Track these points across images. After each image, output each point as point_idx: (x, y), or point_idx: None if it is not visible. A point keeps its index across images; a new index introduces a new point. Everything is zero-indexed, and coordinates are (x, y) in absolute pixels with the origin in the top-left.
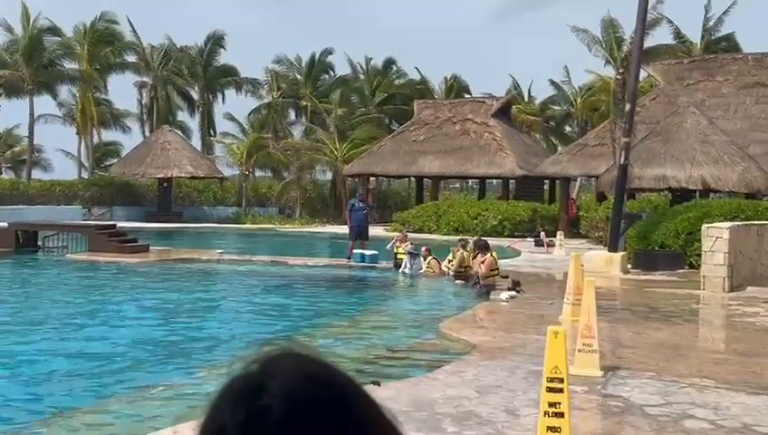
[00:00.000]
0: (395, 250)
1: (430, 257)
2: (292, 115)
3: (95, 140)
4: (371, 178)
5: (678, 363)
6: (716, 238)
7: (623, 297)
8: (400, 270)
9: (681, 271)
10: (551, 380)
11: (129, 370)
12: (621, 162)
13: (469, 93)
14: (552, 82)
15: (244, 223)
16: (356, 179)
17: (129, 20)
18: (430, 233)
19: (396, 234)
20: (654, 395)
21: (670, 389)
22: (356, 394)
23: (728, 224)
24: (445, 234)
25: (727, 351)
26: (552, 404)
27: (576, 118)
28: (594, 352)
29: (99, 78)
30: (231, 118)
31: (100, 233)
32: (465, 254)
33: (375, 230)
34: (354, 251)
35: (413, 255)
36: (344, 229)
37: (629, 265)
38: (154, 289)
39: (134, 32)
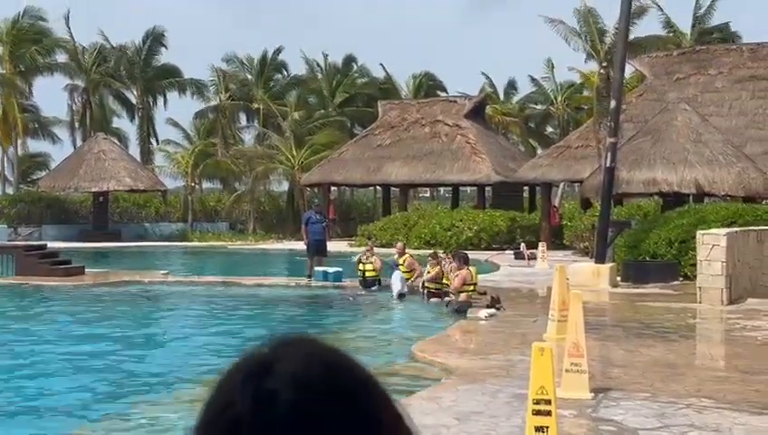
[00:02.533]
0: (361, 266)
1: (407, 255)
2: (242, 119)
3: (20, 151)
4: (332, 188)
5: (675, 383)
6: (713, 246)
7: (613, 313)
8: (394, 293)
9: (675, 283)
10: (537, 401)
11: (52, 414)
12: (607, 165)
13: (441, 92)
14: (532, 79)
15: (191, 240)
16: (315, 189)
17: (66, 20)
18: None
19: (363, 249)
20: (649, 418)
21: (667, 410)
22: (372, 390)
23: (725, 230)
24: (416, 248)
25: (728, 368)
26: (538, 429)
27: (557, 117)
28: (583, 372)
29: (23, 81)
30: (174, 124)
31: (29, 254)
32: (440, 268)
33: (337, 245)
34: (316, 269)
35: (390, 268)
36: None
37: (619, 278)
38: (88, 317)
39: (68, 28)
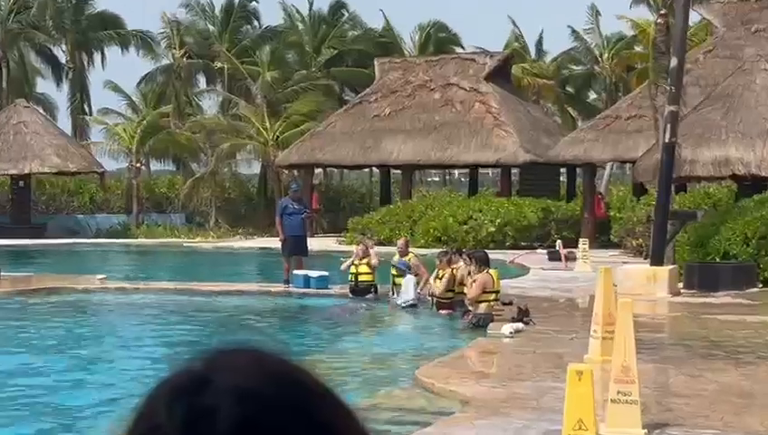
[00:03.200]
0: (353, 270)
1: (411, 255)
2: (202, 83)
3: None
4: (317, 171)
5: (751, 416)
6: None
7: (673, 328)
8: (400, 302)
9: (752, 290)
10: None
11: None
12: (666, 141)
13: (456, 48)
14: (572, 31)
15: (137, 236)
16: (295, 172)
17: None
18: None
19: (358, 248)
20: None
21: None
22: (329, 400)
23: None
24: (422, 246)
25: None
26: None
27: (603, 80)
28: (634, 402)
29: None
30: (115, 88)
31: None
32: (455, 271)
33: (323, 243)
34: (294, 273)
35: (403, 270)
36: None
37: (681, 284)
38: (2, 335)
39: None
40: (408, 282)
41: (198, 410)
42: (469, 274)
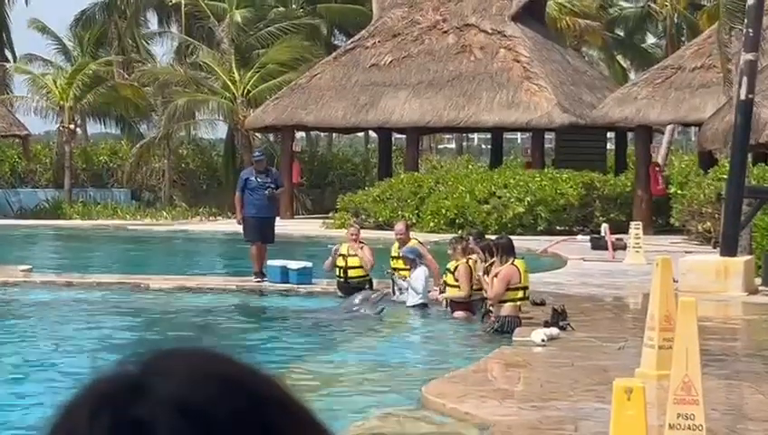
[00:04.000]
0: (341, 263)
1: (413, 242)
2: (153, 23)
3: None
4: (298, 135)
5: None
6: None
7: (749, 335)
8: (410, 300)
9: None
10: None
11: None
12: (742, 98)
13: None
14: None
15: (70, 217)
16: (270, 137)
17: None
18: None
19: (349, 232)
20: None
21: None
22: (286, 410)
23: None
24: (431, 231)
25: None
26: None
27: (663, 21)
28: (698, 429)
29: None
30: (42, 28)
31: None
32: (471, 263)
33: (306, 226)
34: (269, 264)
35: (413, 261)
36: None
37: (759, 280)
38: None
39: None
40: (418, 275)
41: (128, 424)
42: (485, 271)
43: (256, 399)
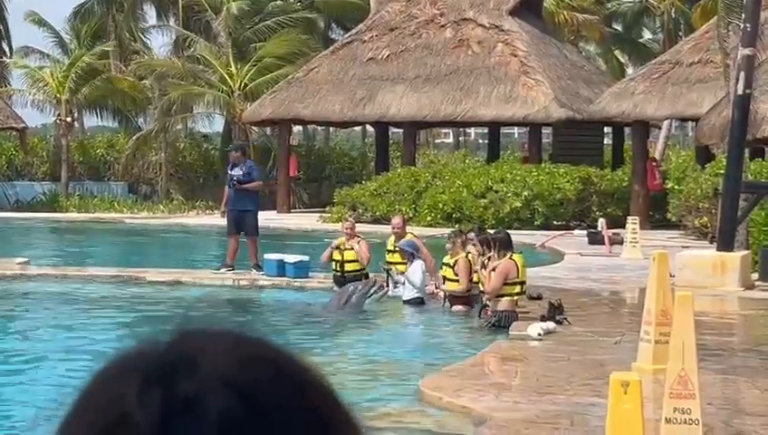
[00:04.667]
0: (337, 257)
1: (410, 237)
2: (151, 16)
3: None
4: (295, 129)
5: None
6: None
7: (745, 329)
8: (406, 294)
9: None
10: None
11: None
12: (739, 93)
13: None
14: None
15: (67, 210)
16: (268, 130)
17: None
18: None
19: (344, 226)
20: None
21: None
22: (324, 391)
23: None
24: (428, 225)
25: None
26: None
27: (660, 15)
28: (694, 423)
29: None
30: (39, 21)
31: None
32: (471, 257)
33: (303, 220)
34: (265, 257)
35: (411, 254)
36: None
37: (755, 275)
38: None
39: None
40: (415, 269)
41: (179, 400)
42: (482, 265)
43: (302, 384)
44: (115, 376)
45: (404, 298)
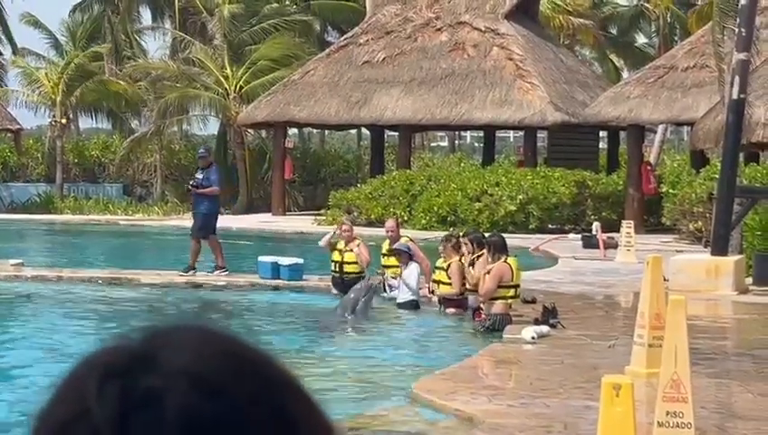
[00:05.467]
0: (336, 258)
1: (404, 240)
2: (146, 18)
3: None
4: (291, 131)
5: None
6: None
7: (739, 334)
8: (401, 297)
9: None
10: None
11: None
12: (734, 97)
13: None
14: None
15: (61, 211)
16: (263, 133)
17: None
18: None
19: (343, 227)
20: None
21: None
22: (289, 386)
23: None
24: (423, 228)
25: None
26: None
27: (656, 20)
28: (686, 426)
29: None
30: (35, 23)
31: None
32: (463, 259)
33: (298, 223)
34: (260, 260)
35: (404, 254)
36: (242, 222)
37: (749, 279)
38: None
39: None
40: (411, 272)
41: (139, 394)
42: (471, 263)
43: (268, 380)
44: (80, 373)
45: (398, 301)
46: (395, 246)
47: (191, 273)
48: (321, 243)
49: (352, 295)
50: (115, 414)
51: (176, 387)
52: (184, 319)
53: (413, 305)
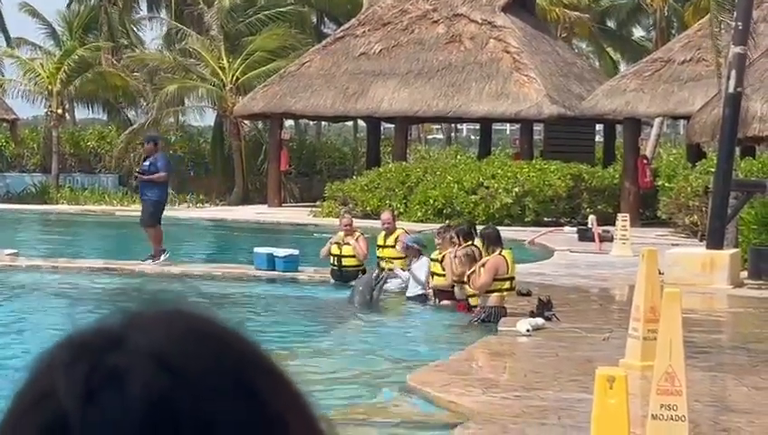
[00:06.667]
0: (335, 251)
1: (399, 231)
2: (143, 8)
3: None
4: (287, 123)
5: None
6: None
7: (734, 327)
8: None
9: None
10: None
11: None
12: (731, 91)
13: None
14: None
15: (57, 202)
16: (259, 124)
17: None
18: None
19: (342, 221)
20: None
21: None
22: (265, 370)
23: None
24: (419, 220)
25: None
26: None
27: (653, 14)
28: (680, 419)
29: None
30: (32, 13)
31: None
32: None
33: (294, 214)
34: (256, 251)
35: (417, 251)
36: (237, 213)
37: (745, 273)
38: None
39: None
40: (421, 265)
41: (104, 373)
42: (455, 255)
43: (235, 357)
44: (51, 354)
45: (408, 294)
46: (406, 240)
47: (165, 257)
48: (322, 255)
49: (361, 288)
50: (80, 393)
51: (140, 366)
52: (162, 300)
53: (423, 299)
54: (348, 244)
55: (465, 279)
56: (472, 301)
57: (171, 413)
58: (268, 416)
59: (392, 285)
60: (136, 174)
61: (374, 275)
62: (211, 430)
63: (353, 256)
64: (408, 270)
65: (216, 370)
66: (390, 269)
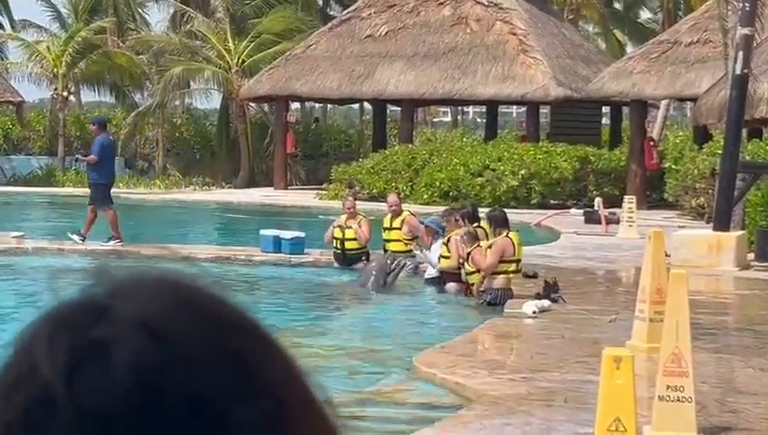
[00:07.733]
0: (338, 235)
1: (405, 214)
2: None
3: None
4: (293, 106)
5: None
6: None
7: (740, 309)
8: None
9: None
10: None
11: None
12: (738, 72)
13: None
14: None
15: (63, 184)
16: (265, 107)
17: None
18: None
19: (345, 204)
20: None
21: None
22: (250, 330)
23: None
24: (425, 202)
25: None
26: None
27: None
28: (687, 400)
29: None
30: None
31: None
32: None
33: (300, 197)
34: (262, 233)
35: (435, 232)
36: (244, 196)
37: (751, 255)
38: None
39: None
40: (437, 248)
41: (88, 345)
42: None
43: (223, 324)
44: (33, 329)
45: (426, 276)
46: (425, 221)
47: (114, 243)
48: (327, 238)
49: (375, 272)
50: (63, 366)
51: (124, 336)
52: (146, 270)
53: (437, 282)
54: (350, 227)
55: (465, 256)
56: (470, 278)
57: (160, 381)
58: (259, 383)
59: (408, 266)
60: (77, 156)
61: (389, 260)
62: (200, 397)
63: (356, 240)
64: (427, 251)
65: (205, 337)
66: (409, 251)
